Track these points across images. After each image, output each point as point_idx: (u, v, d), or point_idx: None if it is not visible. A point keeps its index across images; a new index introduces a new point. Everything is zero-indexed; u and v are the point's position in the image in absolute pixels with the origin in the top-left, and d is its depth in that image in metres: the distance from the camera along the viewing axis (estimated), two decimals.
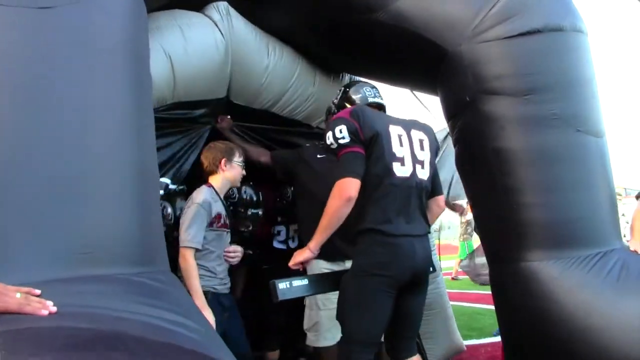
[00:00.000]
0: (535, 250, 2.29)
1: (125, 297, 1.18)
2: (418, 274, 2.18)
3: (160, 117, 2.50)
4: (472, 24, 2.37)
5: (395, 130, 2.21)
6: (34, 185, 1.21)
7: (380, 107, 2.46)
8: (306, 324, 2.82)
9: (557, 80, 2.36)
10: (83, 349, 0.95)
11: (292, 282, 2.09)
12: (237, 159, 2.67)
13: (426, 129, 2.39)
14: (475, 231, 10.07)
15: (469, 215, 10.15)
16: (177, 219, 2.70)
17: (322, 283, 2.22)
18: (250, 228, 3.08)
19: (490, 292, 2.65)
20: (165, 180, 2.59)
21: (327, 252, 2.36)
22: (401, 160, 2.18)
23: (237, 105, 2.95)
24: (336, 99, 2.63)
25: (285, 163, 3.00)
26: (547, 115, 2.31)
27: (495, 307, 2.60)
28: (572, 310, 2.17)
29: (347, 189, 2.05)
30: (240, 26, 2.80)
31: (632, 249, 2.58)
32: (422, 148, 2.29)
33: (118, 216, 1.33)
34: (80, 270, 1.20)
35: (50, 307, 1.02)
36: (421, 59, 2.57)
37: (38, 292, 1.04)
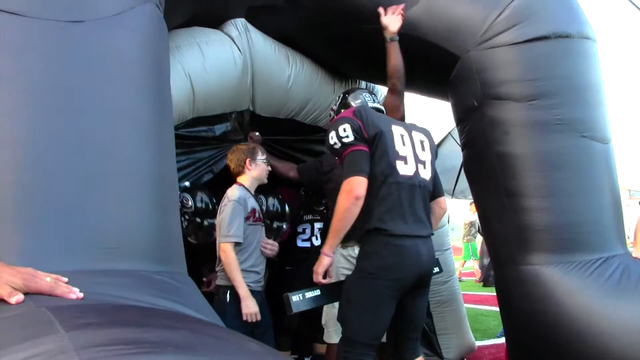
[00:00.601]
0: (537, 254, 2.32)
1: (146, 291, 1.23)
2: (422, 277, 2.18)
3: (183, 134, 2.65)
4: (481, 30, 2.40)
5: (397, 130, 2.21)
6: (61, 183, 1.28)
7: (379, 112, 2.45)
8: (323, 319, 2.87)
9: (562, 86, 2.39)
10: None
11: (305, 293, 2.11)
12: (261, 157, 2.78)
13: (425, 132, 2.39)
14: (479, 232, 10.12)
15: (473, 217, 10.18)
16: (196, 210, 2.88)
17: (335, 292, 2.22)
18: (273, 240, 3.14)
19: (493, 294, 2.68)
20: (185, 183, 2.77)
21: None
22: (404, 159, 2.17)
23: (262, 118, 3.04)
24: (335, 105, 2.63)
25: (310, 173, 3.06)
26: (552, 120, 2.34)
27: (500, 309, 2.63)
28: (573, 314, 2.20)
29: (355, 188, 2.03)
30: (260, 40, 2.88)
31: (634, 255, 2.60)
32: (423, 149, 2.29)
33: (138, 216, 1.39)
34: (102, 264, 1.25)
35: (77, 292, 1.07)
36: (432, 66, 2.60)
37: (65, 279, 1.09)
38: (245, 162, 2.72)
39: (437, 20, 2.49)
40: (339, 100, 2.61)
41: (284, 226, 3.26)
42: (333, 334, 2.77)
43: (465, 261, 10.82)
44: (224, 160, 2.92)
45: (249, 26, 2.86)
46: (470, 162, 2.67)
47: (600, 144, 2.43)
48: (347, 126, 2.10)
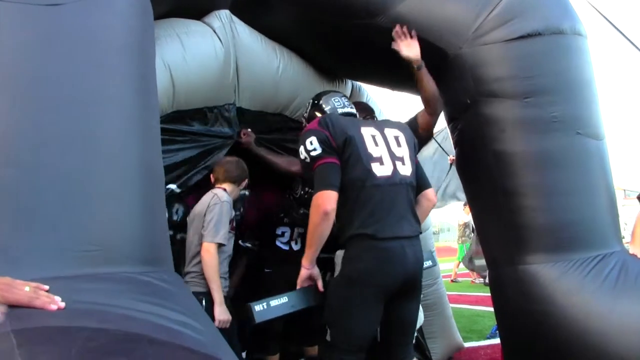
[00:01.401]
0: (534, 253, 2.29)
1: (132, 296, 1.18)
2: (409, 280, 2.12)
3: (170, 129, 2.57)
4: (473, 27, 2.37)
5: (367, 132, 2.17)
6: (41, 183, 1.21)
7: (351, 116, 2.40)
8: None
9: (557, 83, 2.37)
10: (100, 354, 0.94)
11: (270, 302, 2.07)
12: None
13: (400, 126, 2.35)
14: (473, 233, 10.13)
15: (467, 218, 10.19)
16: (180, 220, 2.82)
17: (306, 297, 2.18)
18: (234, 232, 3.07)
19: (489, 294, 2.65)
20: (171, 186, 2.66)
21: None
22: (379, 160, 2.13)
23: (250, 114, 2.98)
24: (306, 112, 2.58)
25: None
26: (547, 118, 2.31)
27: (495, 310, 2.60)
28: (570, 313, 2.17)
29: (323, 203, 2.00)
30: (245, 32, 2.82)
31: (631, 252, 2.58)
32: (398, 144, 2.23)
33: (124, 215, 1.33)
34: (86, 268, 1.20)
35: (58, 302, 1.01)
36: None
37: (46, 287, 1.03)
38: (243, 180, 2.79)
39: (429, 17, 2.46)
40: (309, 106, 2.56)
41: (246, 192, 3.25)
42: None
43: (460, 262, 10.82)
44: (215, 156, 2.87)
45: (234, 18, 2.81)
46: (464, 161, 2.64)
47: (594, 141, 2.41)
48: (314, 138, 2.07)
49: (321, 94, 2.58)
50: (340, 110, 2.38)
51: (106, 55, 1.39)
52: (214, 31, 2.71)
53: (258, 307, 2.04)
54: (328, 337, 2.69)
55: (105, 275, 1.23)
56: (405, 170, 2.20)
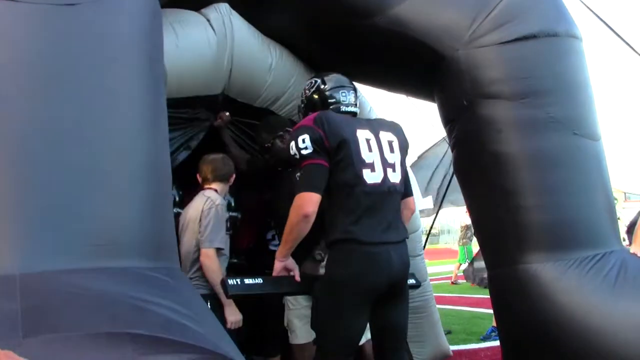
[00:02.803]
0: (533, 253, 2.30)
1: (144, 289, 1.21)
2: (395, 284, 2.10)
3: None
4: (470, 29, 2.40)
5: (363, 135, 2.13)
6: (55, 178, 1.24)
7: (350, 114, 2.26)
8: (285, 321, 2.87)
9: (552, 84, 2.39)
10: None
11: (244, 280, 2.11)
12: None
13: (395, 129, 2.29)
14: (475, 235, 10.14)
15: (469, 220, 10.19)
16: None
17: (280, 284, 2.20)
18: (230, 232, 2.99)
19: (489, 296, 2.66)
20: None
21: None
22: (371, 167, 2.09)
23: (235, 103, 3.02)
24: (308, 90, 2.33)
25: (257, 167, 3.05)
26: (544, 118, 2.34)
27: (494, 310, 2.61)
28: (570, 312, 2.18)
29: (305, 205, 1.96)
30: (243, 27, 2.85)
31: (632, 252, 2.59)
32: (391, 150, 2.20)
33: (133, 210, 1.35)
34: (96, 262, 1.22)
35: None
36: (419, 64, 2.59)
37: None
38: (231, 176, 2.77)
39: (426, 19, 2.49)
40: (313, 88, 2.31)
41: (238, 215, 3.31)
42: (293, 335, 2.77)
43: (460, 264, 10.82)
44: (197, 137, 2.92)
45: (233, 11, 2.83)
46: (461, 162, 2.66)
47: (591, 142, 2.43)
48: (307, 137, 2.02)
49: (327, 77, 2.32)
50: (343, 108, 2.24)
51: (118, 54, 1.42)
52: (208, 21, 2.73)
53: (231, 282, 2.08)
54: (294, 340, 2.72)
55: (115, 270, 1.25)
56: (395, 177, 2.18)
